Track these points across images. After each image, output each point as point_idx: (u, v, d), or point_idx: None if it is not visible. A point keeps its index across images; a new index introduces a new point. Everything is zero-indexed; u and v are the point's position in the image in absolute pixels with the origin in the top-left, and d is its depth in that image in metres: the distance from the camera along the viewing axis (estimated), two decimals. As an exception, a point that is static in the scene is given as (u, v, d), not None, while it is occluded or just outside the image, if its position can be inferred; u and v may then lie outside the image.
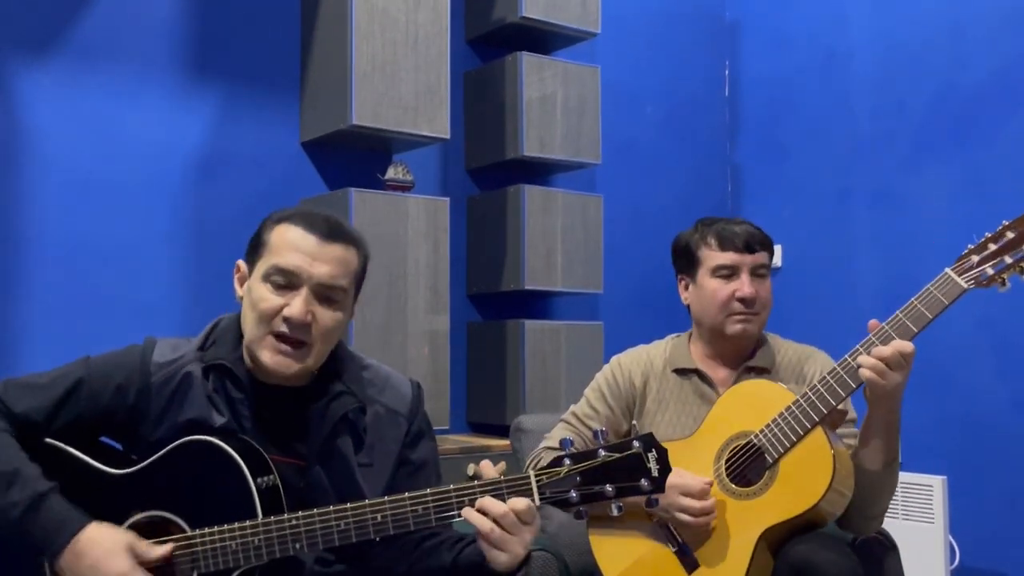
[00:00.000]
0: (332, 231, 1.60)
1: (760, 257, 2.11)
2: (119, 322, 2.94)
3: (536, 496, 1.46)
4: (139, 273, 3.01)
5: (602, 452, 1.46)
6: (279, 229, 1.60)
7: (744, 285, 2.09)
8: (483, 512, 1.46)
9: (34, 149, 2.89)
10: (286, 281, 1.57)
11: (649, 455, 1.45)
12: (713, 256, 2.12)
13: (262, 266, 1.59)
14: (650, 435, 1.47)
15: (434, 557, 1.63)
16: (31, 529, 1.47)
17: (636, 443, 1.46)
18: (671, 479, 1.91)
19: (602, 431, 1.49)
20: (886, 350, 1.81)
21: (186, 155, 3.12)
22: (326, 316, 1.58)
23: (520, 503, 1.45)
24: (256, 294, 1.58)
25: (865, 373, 1.82)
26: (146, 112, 3.05)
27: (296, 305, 1.55)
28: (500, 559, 1.47)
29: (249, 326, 1.60)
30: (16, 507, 1.47)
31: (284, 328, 1.56)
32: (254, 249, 1.63)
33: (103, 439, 1.64)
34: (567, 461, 1.47)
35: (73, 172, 2.93)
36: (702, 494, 1.92)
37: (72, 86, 2.94)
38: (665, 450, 1.47)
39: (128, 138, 3.02)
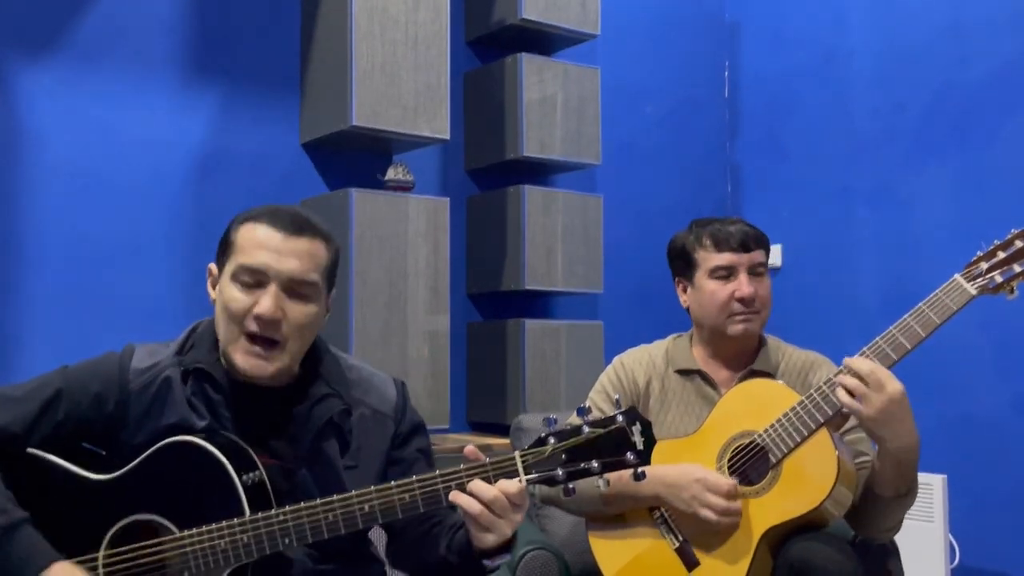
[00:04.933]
0: (298, 225, 1.58)
1: (757, 255, 2.10)
2: (119, 322, 2.94)
3: (522, 475, 1.46)
4: (139, 273, 3.00)
5: (586, 428, 1.46)
6: (245, 228, 1.59)
7: (743, 285, 2.07)
8: (473, 495, 1.45)
9: (34, 149, 2.88)
10: (254, 280, 1.56)
11: (633, 428, 1.45)
12: (710, 258, 2.11)
13: (230, 266, 1.58)
14: (633, 408, 1.47)
15: (434, 547, 1.63)
16: None
17: (620, 417, 1.46)
18: (699, 472, 1.93)
19: (586, 407, 1.48)
20: (862, 365, 1.78)
21: (186, 155, 3.12)
22: (297, 311, 1.57)
23: (511, 486, 1.45)
24: (226, 294, 1.57)
25: (843, 398, 1.80)
26: (146, 112, 3.05)
27: (265, 302, 1.54)
28: (488, 540, 1.48)
29: (221, 328, 1.59)
30: None
31: (255, 327, 1.55)
32: (223, 250, 1.62)
33: (85, 446, 1.63)
34: (552, 440, 1.46)
35: (73, 172, 2.93)
36: (729, 494, 1.91)
37: (73, 86, 2.94)
38: (649, 423, 1.46)
39: (128, 138, 3.02)
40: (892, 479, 1.86)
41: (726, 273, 2.10)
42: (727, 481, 1.92)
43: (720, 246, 2.10)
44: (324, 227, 1.63)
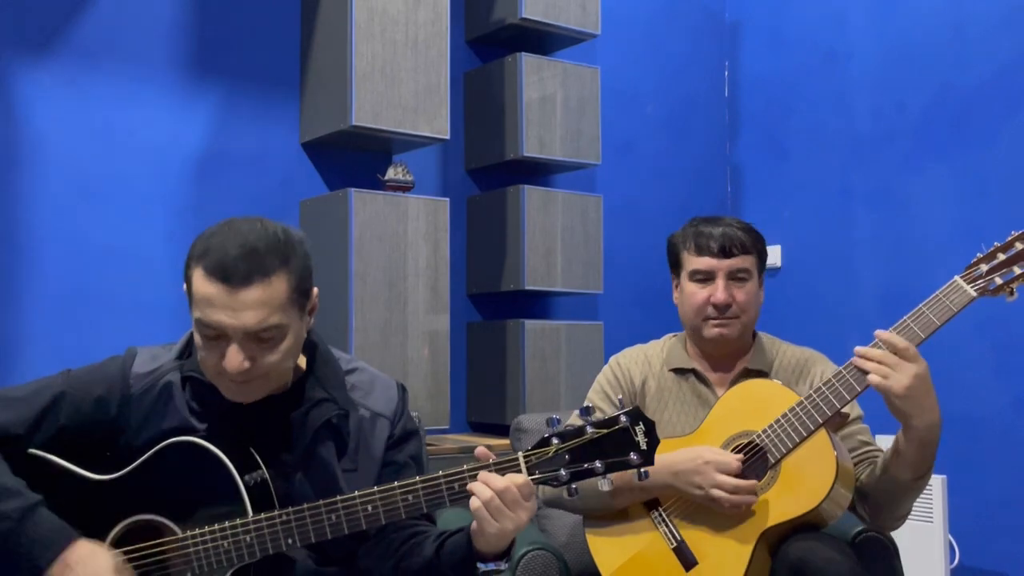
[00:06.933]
0: (245, 272, 1.47)
1: (738, 261, 2.08)
2: (119, 322, 2.95)
3: (526, 476, 1.47)
4: (139, 273, 3.01)
5: (590, 429, 1.46)
6: (195, 275, 1.51)
7: (717, 291, 2.07)
8: (485, 483, 1.47)
9: (34, 149, 2.89)
10: (214, 334, 1.50)
11: (637, 428, 1.45)
12: (690, 260, 2.12)
13: (193, 312, 1.53)
14: (636, 409, 1.47)
15: (417, 552, 1.62)
16: (22, 541, 1.46)
17: (623, 418, 1.46)
18: (708, 455, 1.92)
19: (589, 407, 1.48)
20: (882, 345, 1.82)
21: (186, 155, 3.12)
22: (265, 356, 1.51)
23: (519, 478, 1.46)
24: (196, 340, 1.54)
25: (873, 379, 1.81)
26: (146, 112, 3.05)
27: (230, 360, 1.48)
28: (490, 530, 1.48)
29: (203, 366, 1.56)
30: (7, 519, 1.47)
31: (228, 378, 1.52)
32: (186, 283, 1.56)
33: (87, 449, 1.62)
34: (555, 440, 1.47)
35: (73, 172, 2.93)
36: (739, 472, 1.90)
37: (72, 86, 2.94)
38: (652, 423, 1.46)
39: (128, 138, 3.02)
40: (914, 460, 1.87)
41: (703, 277, 2.10)
42: (736, 459, 1.91)
43: (701, 250, 2.10)
44: (280, 252, 1.51)
